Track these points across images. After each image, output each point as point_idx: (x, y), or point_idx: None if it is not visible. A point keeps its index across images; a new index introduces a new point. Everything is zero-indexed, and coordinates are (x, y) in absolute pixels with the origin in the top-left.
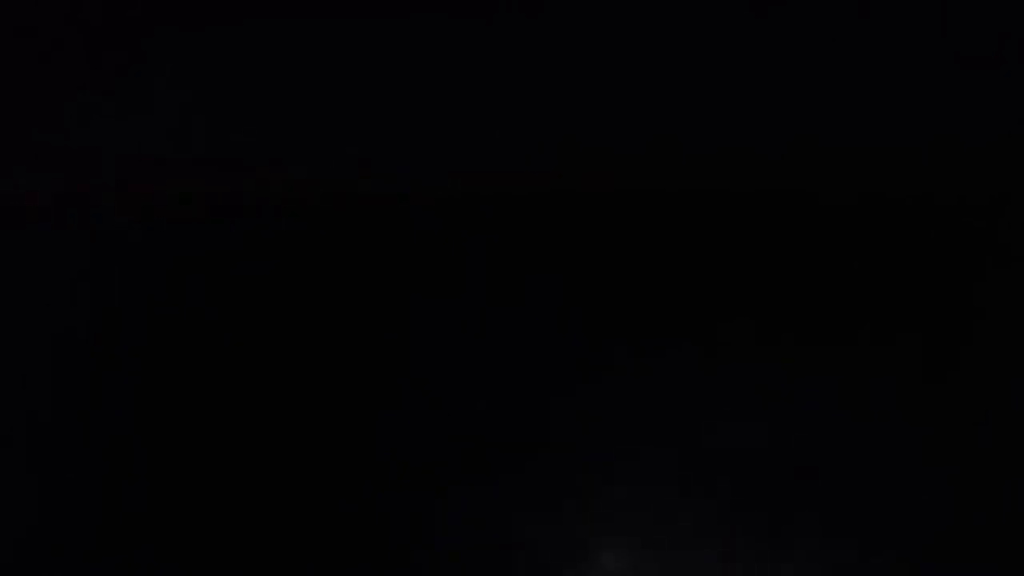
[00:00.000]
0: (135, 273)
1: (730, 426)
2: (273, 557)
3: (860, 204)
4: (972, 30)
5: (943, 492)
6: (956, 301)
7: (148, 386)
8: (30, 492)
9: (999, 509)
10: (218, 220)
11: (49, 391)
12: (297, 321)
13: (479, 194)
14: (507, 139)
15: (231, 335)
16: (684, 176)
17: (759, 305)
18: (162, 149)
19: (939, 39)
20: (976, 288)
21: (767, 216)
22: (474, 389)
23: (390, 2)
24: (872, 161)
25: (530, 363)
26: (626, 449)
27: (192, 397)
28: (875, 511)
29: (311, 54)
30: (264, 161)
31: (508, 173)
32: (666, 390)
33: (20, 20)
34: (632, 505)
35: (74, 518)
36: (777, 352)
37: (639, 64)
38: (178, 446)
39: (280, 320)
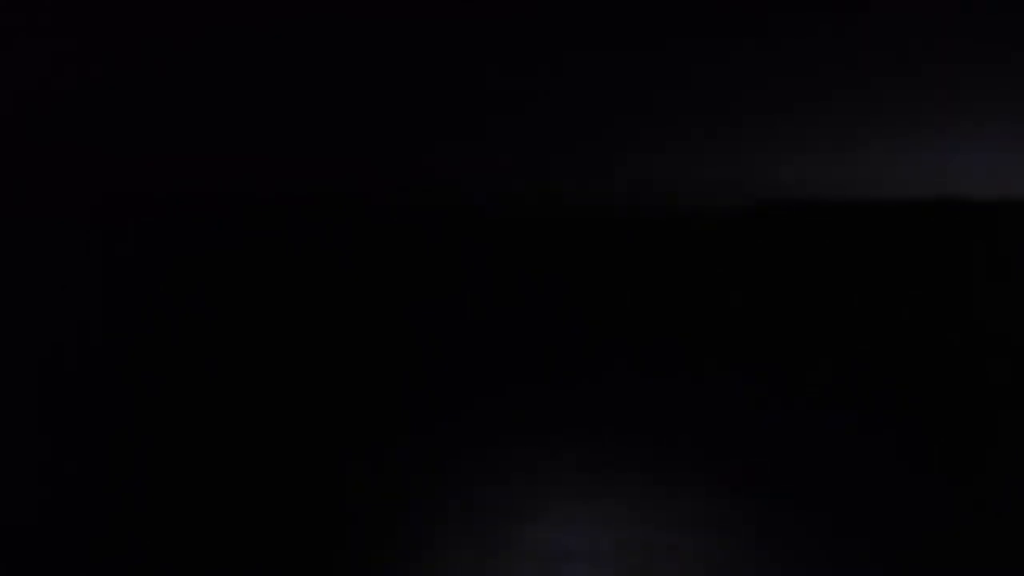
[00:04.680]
0: (134, 272)
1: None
2: (271, 553)
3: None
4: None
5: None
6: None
7: (145, 385)
8: (30, 490)
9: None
10: (218, 220)
11: (48, 390)
12: (295, 324)
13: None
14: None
15: (225, 337)
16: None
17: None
18: (164, 150)
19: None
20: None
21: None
22: (463, 382)
23: (392, 19)
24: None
25: (523, 360)
26: (576, 429)
27: (180, 401)
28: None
29: (313, 59)
30: (265, 163)
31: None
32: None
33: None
34: (579, 467)
35: (73, 516)
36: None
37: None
38: (171, 443)
39: (278, 321)
